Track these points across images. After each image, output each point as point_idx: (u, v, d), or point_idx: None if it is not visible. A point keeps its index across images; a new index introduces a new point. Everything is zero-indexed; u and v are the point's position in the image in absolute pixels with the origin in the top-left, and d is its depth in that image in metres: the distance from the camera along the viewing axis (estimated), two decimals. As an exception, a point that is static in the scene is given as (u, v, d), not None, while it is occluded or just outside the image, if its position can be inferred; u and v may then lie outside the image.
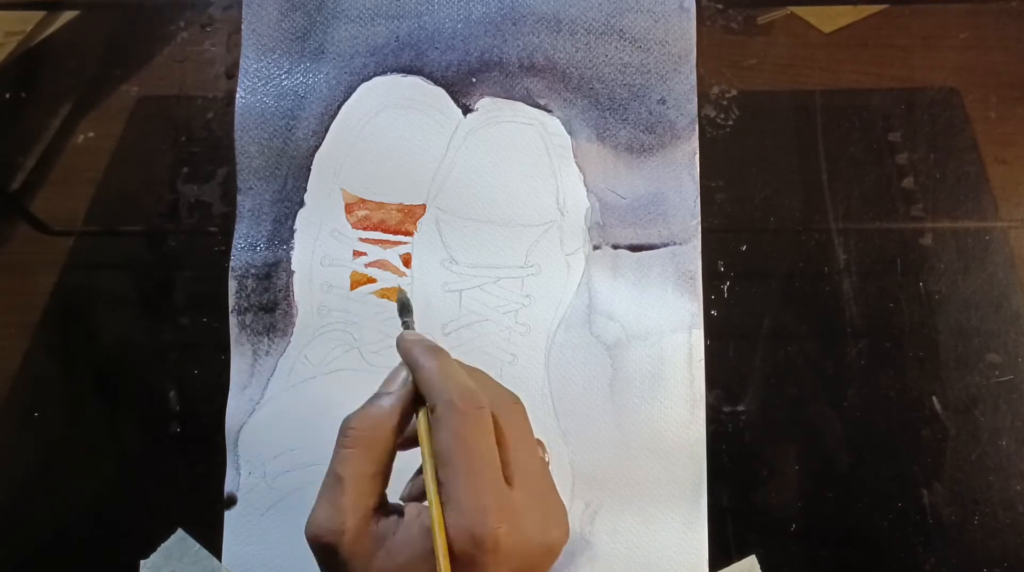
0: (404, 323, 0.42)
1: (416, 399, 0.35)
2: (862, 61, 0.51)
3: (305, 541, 0.33)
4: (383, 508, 0.34)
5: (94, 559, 0.48)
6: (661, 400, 0.47)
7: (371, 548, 0.32)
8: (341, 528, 0.32)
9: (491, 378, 0.36)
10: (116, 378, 0.49)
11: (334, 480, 0.33)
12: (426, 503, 0.33)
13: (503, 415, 0.34)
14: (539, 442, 0.36)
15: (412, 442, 0.36)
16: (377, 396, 0.35)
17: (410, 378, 0.35)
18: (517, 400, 0.35)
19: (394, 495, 0.36)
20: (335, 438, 0.37)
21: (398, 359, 0.37)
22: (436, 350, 0.36)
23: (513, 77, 0.50)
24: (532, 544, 0.32)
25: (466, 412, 0.33)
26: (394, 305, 0.48)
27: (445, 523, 0.31)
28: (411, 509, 0.33)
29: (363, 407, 0.35)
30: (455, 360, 0.36)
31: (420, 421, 0.34)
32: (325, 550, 0.32)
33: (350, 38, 0.51)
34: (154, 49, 0.52)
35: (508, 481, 0.32)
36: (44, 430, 0.49)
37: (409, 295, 0.48)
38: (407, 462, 0.36)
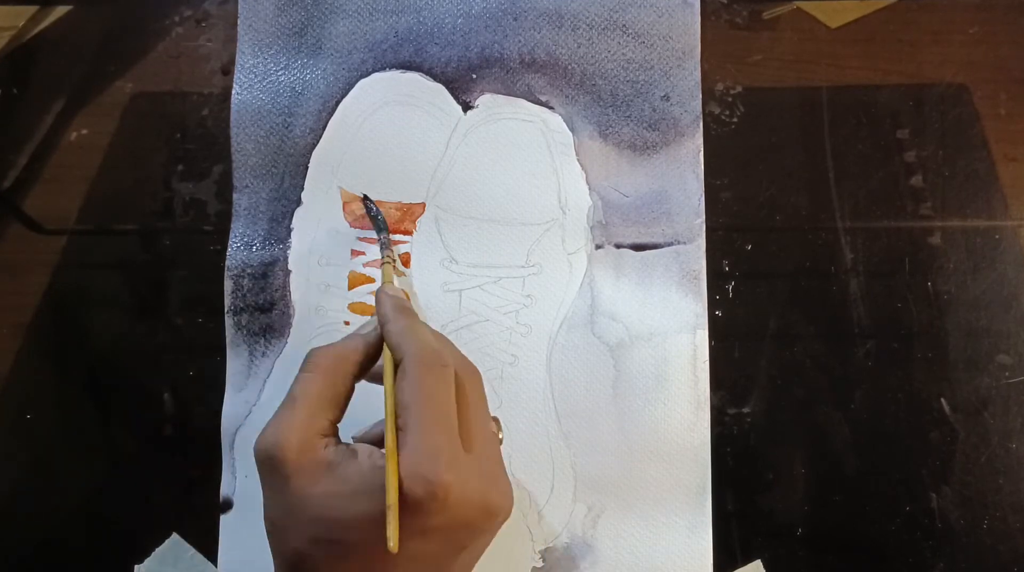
0: (380, 242, 0.45)
1: (382, 345, 0.37)
2: (869, 57, 0.50)
3: None
4: (333, 437, 0.35)
5: (87, 564, 0.47)
6: (665, 402, 0.46)
7: (316, 471, 0.33)
8: (287, 443, 0.33)
9: (455, 347, 0.38)
10: (109, 380, 0.48)
11: (289, 400, 0.34)
12: (381, 448, 0.33)
13: (464, 381, 0.35)
14: (495, 419, 0.38)
15: (377, 378, 0.37)
16: (348, 336, 0.38)
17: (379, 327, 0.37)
18: (477, 371, 0.37)
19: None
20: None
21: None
22: (406, 310, 0.38)
23: (514, 73, 0.50)
24: (475, 502, 0.33)
25: (431, 368, 0.34)
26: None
27: (399, 465, 0.32)
28: (363, 448, 0.34)
29: (332, 342, 0.37)
30: (423, 322, 0.37)
31: (386, 365, 0.36)
32: (269, 465, 0.33)
33: (348, 34, 0.50)
34: (148, 44, 0.52)
35: (462, 441, 0.33)
36: (36, 432, 0.48)
37: (409, 295, 0.47)
38: (367, 415, 0.38)
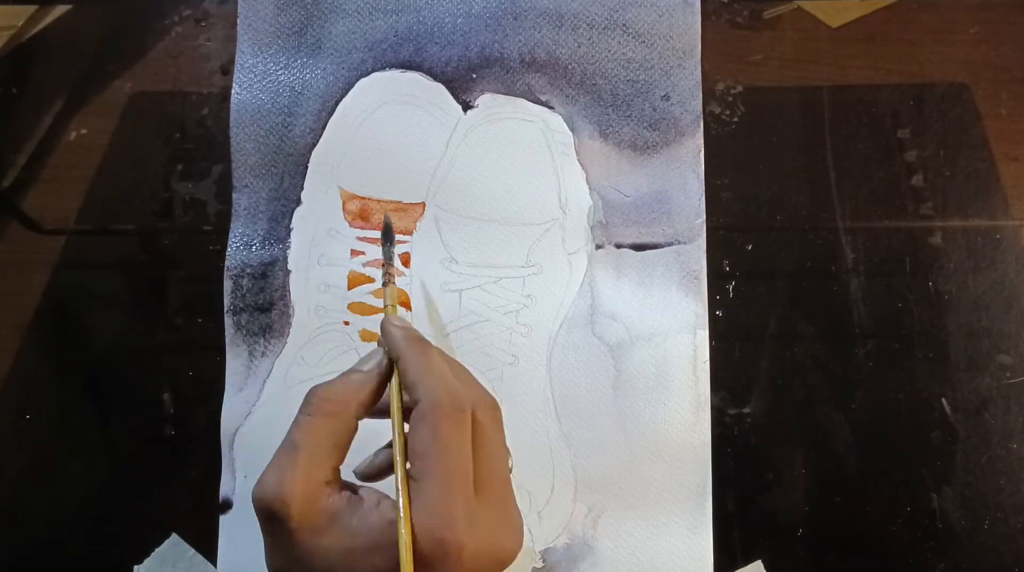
0: (386, 253, 0.42)
1: (388, 380, 0.35)
2: (870, 56, 0.50)
3: None
4: (336, 484, 0.33)
5: (87, 564, 0.47)
6: (665, 402, 0.46)
7: (322, 523, 0.32)
8: (290, 496, 0.31)
9: (472, 376, 0.36)
10: (109, 380, 0.48)
11: (290, 447, 0.33)
12: (383, 490, 0.32)
13: (481, 419, 0.33)
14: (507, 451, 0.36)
15: (382, 413, 0.36)
16: (350, 371, 0.36)
17: (385, 361, 0.35)
18: (496, 405, 0.35)
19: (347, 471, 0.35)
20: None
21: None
22: (422, 342, 0.36)
23: (514, 73, 0.49)
24: (489, 553, 0.32)
25: (450, 416, 0.32)
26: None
27: (412, 522, 0.31)
28: (370, 496, 0.33)
29: (333, 380, 0.35)
30: (439, 353, 0.36)
31: (393, 404, 0.34)
32: (271, 516, 0.32)
33: (348, 33, 0.50)
34: (148, 44, 0.51)
35: (475, 487, 0.32)
36: (35, 433, 0.48)
37: (408, 295, 0.47)
38: (367, 438, 0.36)
